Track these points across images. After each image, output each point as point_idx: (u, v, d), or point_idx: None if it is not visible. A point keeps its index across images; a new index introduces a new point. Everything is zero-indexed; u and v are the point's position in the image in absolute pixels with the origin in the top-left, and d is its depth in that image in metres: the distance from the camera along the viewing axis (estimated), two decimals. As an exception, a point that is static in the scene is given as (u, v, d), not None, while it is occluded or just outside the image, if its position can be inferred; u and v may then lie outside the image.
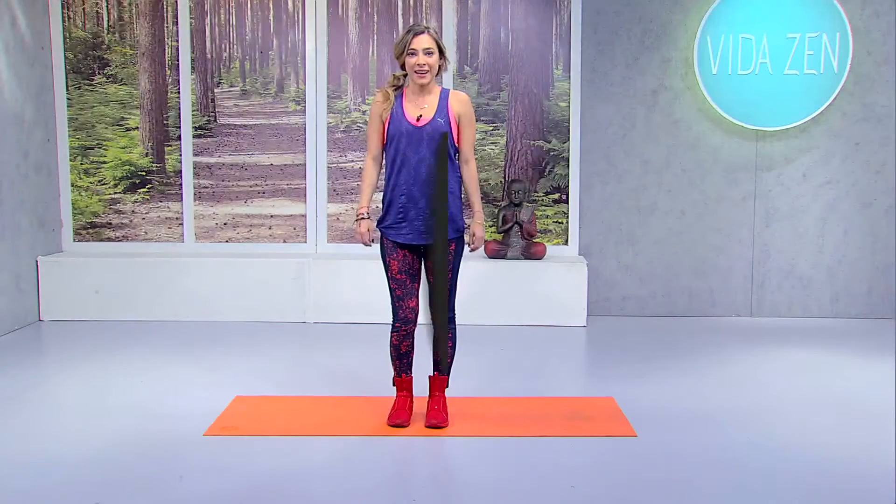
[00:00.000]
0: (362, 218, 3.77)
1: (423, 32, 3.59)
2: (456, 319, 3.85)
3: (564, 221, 6.30)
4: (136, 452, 3.50)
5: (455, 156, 3.73)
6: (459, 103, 3.70)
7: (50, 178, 6.19)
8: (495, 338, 5.56)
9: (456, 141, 3.70)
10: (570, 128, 6.24)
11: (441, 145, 3.54)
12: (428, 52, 3.59)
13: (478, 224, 3.79)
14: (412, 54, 3.59)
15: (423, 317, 3.91)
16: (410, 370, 3.87)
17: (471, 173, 3.78)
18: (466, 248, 3.85)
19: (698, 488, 3.19)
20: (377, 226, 3.77)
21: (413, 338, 3.81)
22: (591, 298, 6.20)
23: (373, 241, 3.86)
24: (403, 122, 3.64)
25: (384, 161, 3.79)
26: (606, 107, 6.25)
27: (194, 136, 6.35)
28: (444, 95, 3.69)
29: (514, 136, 6.28)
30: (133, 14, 6.29)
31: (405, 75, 3.71)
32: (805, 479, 3.28)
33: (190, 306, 6.03)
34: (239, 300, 6.02)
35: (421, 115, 3.64)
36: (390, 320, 3.81)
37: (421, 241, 3.69)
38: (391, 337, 3.79)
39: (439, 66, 3.66)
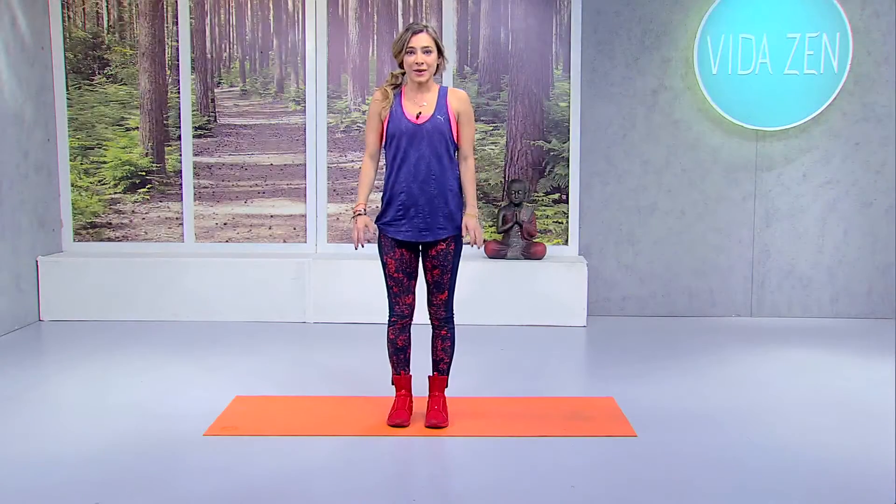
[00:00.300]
0: (359, 214, 3.76)
1: (421, 31, 3.60)
2: (455, 319, 3.85)
3: (564, 221, 6.30)
4: (136, 452, 3.50)
5: (454, 153, 3.73)
6: (458, 101, 3.70)
7: (50, 178, 6.19)
8: (495, 338, 5.55)
9: (455, 138, 3.71)
10: (570, 128, 6.24)
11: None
12: (426, 51, 3.60)
13: (470, 216, 3.75)
14: (410, 52, 3.60)
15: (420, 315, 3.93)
16: (408, 367, 3.87)
17: (468, 170, 3.77)
18: (470, 247, 3.84)
19: (698, 488, 3.19)
20: (376, 222, 3.78)
21: (409, 332, 3.82)
22: (591, 298, 6.20)
23: (369, 241, 3.84)
24: (403, 120, 3.65)
25: (384, 159, 3.79)
26: (606, 107, 6.25)
27: (194, 136, 6.35)
28: (443, 93, 3.70)
29: (514, 136, 6.28)
30: (133, 14, 6.29)
31: (403, 74, 3.72)
32: (805, 479, 3.28)
33: (190, 306, 6.03)
34: (239, 300, 6.02)
35: (420, 113, 3.65)
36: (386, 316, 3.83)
37: (420, 239, 3.69)
38: (387, 332, 3.81)
39: (437, 65, 3.67)
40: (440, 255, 3.72)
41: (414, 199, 3.65)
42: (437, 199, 3.66)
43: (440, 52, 3.66)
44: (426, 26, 3.63)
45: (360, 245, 3.78)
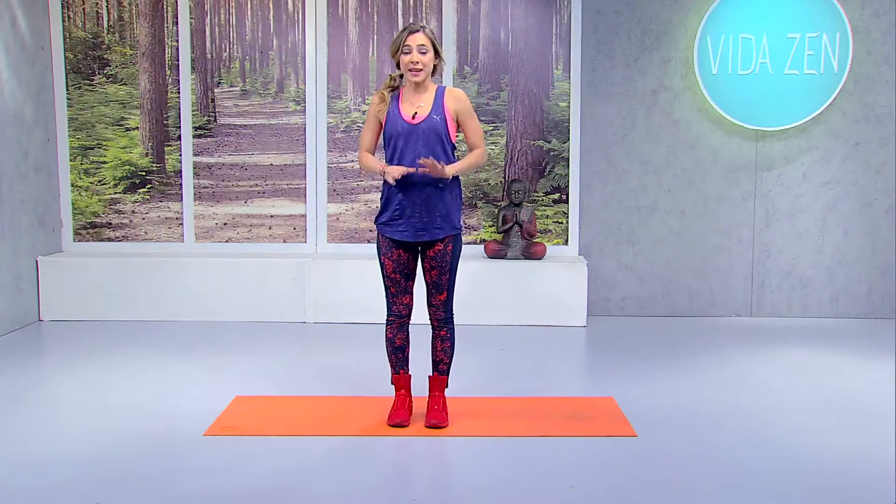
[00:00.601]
0: (386, 167, 3.64)
1: (417, 31, 3.61)
2: (454, 320, 3.85)
3: (564, 221, 6.30)
4: (136, 452, 3.50)
5: (452, 153, 3.73)
6: (455, 100, 3.70)
7: (50, 178, 6.19)
8: (495, 338, 5.55)
9: (453, 137, 3.71)
10: (570, 128, 6.24)
11: None
12: (422, 51, 3.60)
13: (449, 164, 3.63)
14: (406, 52, 3.61)
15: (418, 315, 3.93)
16: (407, 367, 3.88)
17: (474, 154, 3.75)
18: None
19: (698, 488, 3.19)
20: (375, 222, 3.79)
21: (407, 331, 3.84)
22: (591, 298, 6.20)
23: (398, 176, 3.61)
24: (399, 121, 3.66)
25: (383, 160, 3.80)
26: (606, 107, 6.25)
27: (194, 136, 6.35)
28: (440, 93, 3.70)
29: (514, 136, 6.28)
30: (133, 14, 6.29)
31: (401, 76, 3.72)
32: (805, 479, 3.28)
33: (190, 306, 6.03)
34: (239, 300, 6.02)
35: (416, 113, 3.66)
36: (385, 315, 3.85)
37: (417, 239, 3.69)
38: (386, 331, 3.83)
39: (434, 66, 3.68)
40: (437, 255, 3.72)
41: (410, 199, 3.65)
42: (434, 198, 3.66)
43: (437, 53, 3.66)
44: (423, 26, 3.64)
45: (399, 175, 3.56)
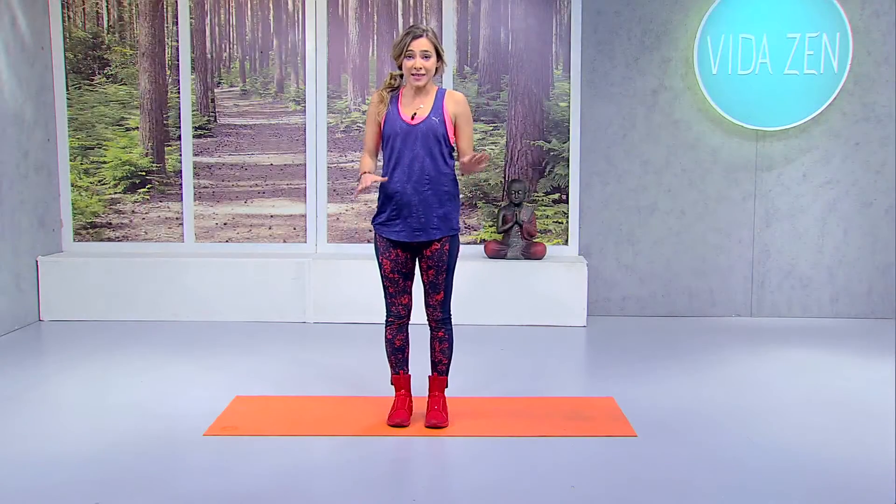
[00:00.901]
0: (365, 173, 3.69)
1: (421, 35, 3.60)
2: (452, 320, 3.85)
3: (564, 221, 6.30)
4: (136, 452, 3.50)
5: (450, 155, 3.73)
6: (455, 103, 3.70)
7: (50, 178, 6.19)
8: (495, 338, 5.55)
9: (451, 140, 3.71)
10: (570, 128, 6.24)
11: None
12: (425, 55, 3.60)
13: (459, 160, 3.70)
14: (409, 57, 3.61)
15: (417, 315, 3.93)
16: (407, 367, 3.88)
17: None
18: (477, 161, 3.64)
19: (698, 488, 3.19)
20: (372, 222, 3.79)
21: (406, 332, 3.84)
22: (591, 298, 6.20)
23: (366, 189, 3.66)
24: (398, 122, 3.66)
25: (382, 160, 3.80)
26: (606, 107, 6.25)
27: (194, 136, 6.35)
28: (441, 95, 3.71)
29: (514, 136, 6.28)
30: (133, 14, 6.29)
31: (401, 75, 3.72)
32: (805, 479, 3.28)
33: (190, 306, 6.03)
34: (239, 300, 6.02)
35: (416, 114, 3.66)
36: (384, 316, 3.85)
37: (413, 239, 3.69)
38: (385, 332, 3.84)
39: (436, 69, 3.68)
40: (434, 255, 3.72)
41: (408, 199, 3.65)
42: (431, 199, 3.66)
43: (439, 56, 3.66)
44: (426, 30, 3.63)
45: (360, 192, 3.62)
